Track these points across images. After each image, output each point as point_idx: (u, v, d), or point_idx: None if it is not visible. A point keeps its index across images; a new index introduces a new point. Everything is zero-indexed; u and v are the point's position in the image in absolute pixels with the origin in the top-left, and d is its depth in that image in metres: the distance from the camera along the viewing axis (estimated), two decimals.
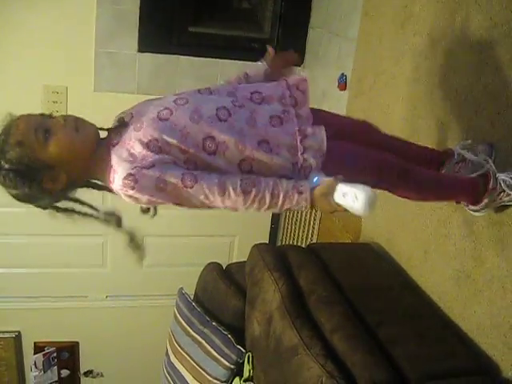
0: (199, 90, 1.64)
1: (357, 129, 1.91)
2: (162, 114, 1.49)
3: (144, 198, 1.43)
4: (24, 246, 3.66)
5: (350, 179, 1.47)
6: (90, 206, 1.56)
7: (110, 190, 1.51)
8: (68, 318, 3.86)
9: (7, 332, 3.84)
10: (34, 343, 3.91)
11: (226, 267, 2.76)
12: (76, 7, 3.18)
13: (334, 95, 3.15)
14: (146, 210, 1.58)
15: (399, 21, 2.53)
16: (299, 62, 1.75)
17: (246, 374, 2.32)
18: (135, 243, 1.58)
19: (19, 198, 1.48)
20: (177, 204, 1.47)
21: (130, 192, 1.41)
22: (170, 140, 1.44)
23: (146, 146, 1.43)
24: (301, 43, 3.53)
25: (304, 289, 2.18)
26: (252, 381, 2.31)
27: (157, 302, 3.89)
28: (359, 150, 1.67)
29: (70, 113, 3.43)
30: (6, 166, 1.41)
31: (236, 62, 3.50)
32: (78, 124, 1.49)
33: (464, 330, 2.05)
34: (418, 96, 2.39)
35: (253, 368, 2.30)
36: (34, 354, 3.90)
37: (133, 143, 1.44)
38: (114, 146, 1.48)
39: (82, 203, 1.55)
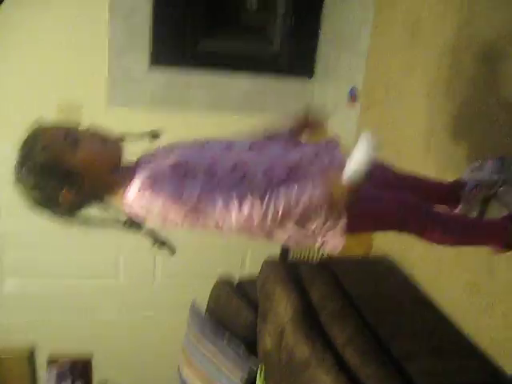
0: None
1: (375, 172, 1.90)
2: (195, 145, 1.55)
3: (158, 203, 1.39)
4: (38, 259, 3.69)
5: (376, 221, 1.56)
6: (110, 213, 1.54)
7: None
8: (82, 331, 3.88)
9: (22, 345, 3.87)
10: (49, 356, 3.92)
11: (238, 281, 2.77)
12: (88, 24, 3.23)
13: (344, 109, 3.17)
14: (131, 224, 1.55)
15: (409, 34, 2.54)
16: (324, 133, 1.75)
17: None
18: (160, 241, 1.57)
19: (37, 202, 1.47)
20: (191, 215, 1.43)
21: (147, 192, 1.39)
22: (198, 162, 1.46)
23: (173, 166, 1.44)
24: (311, 57, 3.55)
25: (316, 303, 2.18)
26: None
27: (169, 314, 3.89)
28: (383, 193, 1.66)
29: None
30: (32, 167, 1.41)
31: (247, 75, 3.53)
32: (105, 136, 1.51)
33: (478, 343, 2.04)
34: (429, 109, 2.39)
35: (265, 381, 2.30)
36: (48, 366, 3.91)
37: (160, 162, 1.46)
38: (139, 166, 1.49)
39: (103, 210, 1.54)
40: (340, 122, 3.25)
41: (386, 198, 1.64)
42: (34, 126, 1.48)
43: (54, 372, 3.88)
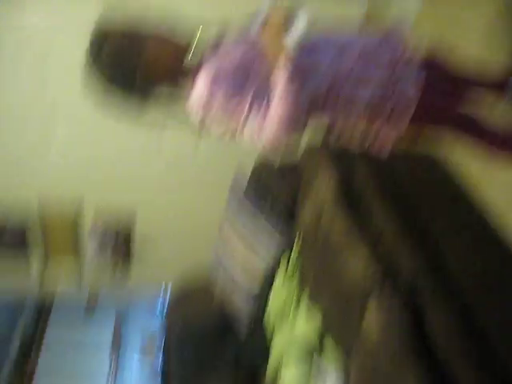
0: None
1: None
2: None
3: (219, 99, 1.47)
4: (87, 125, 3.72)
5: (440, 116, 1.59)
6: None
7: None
8: (126, 187, 3.94)
9: (67, 200, 3.91)
10: (94, 212, 3.98)
11: (281, 160, 2.81)
12: None
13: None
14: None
15: None
16: None
17: (294, 253, 2.43)
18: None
19: (114, 80, 1.53)
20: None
21: (211, 87, 1.46)
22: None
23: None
24: None
25: (358, 182, 2.22)
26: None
27: (214, 176, 3.81)
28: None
29: None
30: (109, 46, 1.50)
31: None
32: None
33: None
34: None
35: (300, 256, 2.38)
36: (92, 224, 4.01)
37: (225, 57, 1.52)
38: (205, 61, 1.54)
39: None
40: (398, 14, 3.14)
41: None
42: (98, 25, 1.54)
43: (99, 230, 4.03)
